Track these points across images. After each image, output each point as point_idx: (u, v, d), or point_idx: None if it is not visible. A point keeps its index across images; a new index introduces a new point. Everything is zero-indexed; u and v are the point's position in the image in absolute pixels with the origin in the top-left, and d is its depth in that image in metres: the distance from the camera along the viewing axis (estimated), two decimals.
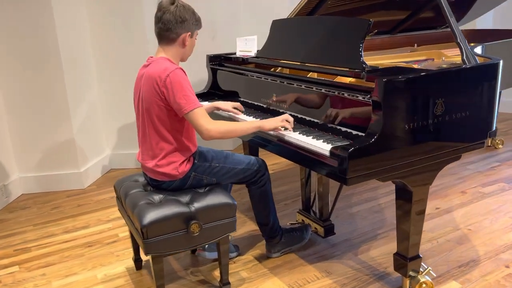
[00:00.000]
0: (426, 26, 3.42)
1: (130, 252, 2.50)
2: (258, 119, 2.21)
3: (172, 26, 1.94)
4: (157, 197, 2.02)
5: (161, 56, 2.01)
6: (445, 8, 2.06)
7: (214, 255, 2.34)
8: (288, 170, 3.72)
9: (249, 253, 2.47)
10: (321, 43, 2.24)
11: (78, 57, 3.47)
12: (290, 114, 2.17)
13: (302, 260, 2.38)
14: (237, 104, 2.44)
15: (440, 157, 1.89)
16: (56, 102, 3.34)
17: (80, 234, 2.80)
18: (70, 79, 3.36)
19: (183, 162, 2.02)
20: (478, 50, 2.66)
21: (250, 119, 2.34)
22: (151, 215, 1.86)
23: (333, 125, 1.97)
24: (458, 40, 2.02)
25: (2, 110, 3.28)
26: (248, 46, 2.79)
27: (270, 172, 3.12)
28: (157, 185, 2.08)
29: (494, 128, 2.05)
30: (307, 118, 2.13)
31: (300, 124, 2.15)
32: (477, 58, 2.02)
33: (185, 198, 2.01)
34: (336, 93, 1.94)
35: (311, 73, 2.29)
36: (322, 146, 1.81)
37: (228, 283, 2.14)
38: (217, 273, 2.28)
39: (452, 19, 2.05)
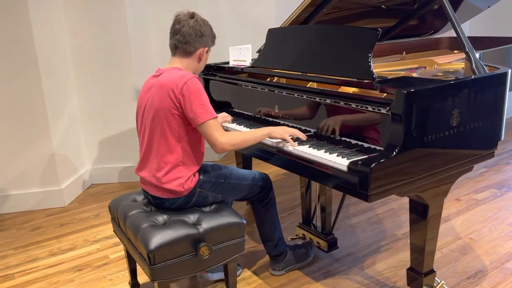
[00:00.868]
0: (411, 33, 3.42)
1: (124, 275, 2.35)
2: (264, 127, 2.12)
3: (192, 40, 1.91)
4: (160, 218, 1.89)
5: (176, 66, 1.94)
6: (452, 18, 2.03)
7: (218, 276, 2.23)
8: (281, 180, 3.62)
9: (251, 270, 2.37)
10: (324, 53, 2.16)
11: (57, 64, 3.28)
12: (295, 127, 2.09)
13: (308, 277, 2.29)
14: (223, 114, 2.40)
15: (456, 168, 1.85)
16: (34, 113, 3.14)
17: (67, 257, 2.60)
18: (49, 88, 3.16)
19: (188, 178, 1.90)
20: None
21: (244, 129, 2.31)
22: (157, 239, 1.73)
23: (343, 138, 1.90)
24: (467, 50, 1.99)
25: None
26: (242, 55, 2.69)
27: None
28: (159, 203, 1.95)
29: (502, 138, 2.04)
30: (312, 130, 2.05)
31: (307, 137, 2.06)
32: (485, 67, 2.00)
33: (192, 218, 1.88)
34: (342, 103, 1.88)
35: (310, 83, 2.21)
36: (338, 161, 1.73)
37: None
38: None
39: (459, 28, 2.02)
